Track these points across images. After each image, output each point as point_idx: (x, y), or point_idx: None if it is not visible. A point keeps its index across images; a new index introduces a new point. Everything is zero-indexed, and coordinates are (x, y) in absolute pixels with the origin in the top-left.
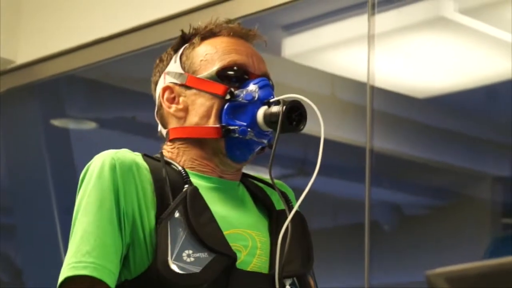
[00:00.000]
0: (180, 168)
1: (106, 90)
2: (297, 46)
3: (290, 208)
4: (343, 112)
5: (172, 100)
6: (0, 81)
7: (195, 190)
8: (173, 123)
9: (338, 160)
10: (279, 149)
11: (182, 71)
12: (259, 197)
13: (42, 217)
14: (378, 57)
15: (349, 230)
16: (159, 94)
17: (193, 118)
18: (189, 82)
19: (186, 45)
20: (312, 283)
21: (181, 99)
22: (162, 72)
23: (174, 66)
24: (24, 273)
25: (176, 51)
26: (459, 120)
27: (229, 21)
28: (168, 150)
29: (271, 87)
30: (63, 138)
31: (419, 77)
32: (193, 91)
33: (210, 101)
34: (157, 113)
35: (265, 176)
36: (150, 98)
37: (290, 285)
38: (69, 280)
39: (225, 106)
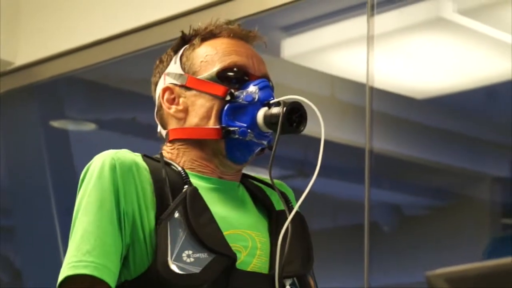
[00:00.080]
0: (179, 168)
1: (105, 91)
2: (296, 47)
3: (290, 208)
4: (343, 113)
5: (172, 101)
6: None
7: (194, 191)
8: (173, 124)
9: (337, 161)
10: (279, 150)
11: (182, 72)
12: (259, 198)
13: (41, 218)
14: (377, 58)
15: (349, 231)
16: (159, 95)
17: (193, 119)
18: (189, 83)
19: (186, 46)
20: (312, 283)
21: (181, 100)
22: (162, 73)
23: (174, 67)
24: (23, 274)
25: (176, 52)
26: (458, 121)
27: (229, 22)
28: (167, 151)
29: (271, 88)
30: (62, 139)
31: (418, 78)
32: (193, 92)
33: (210, 102)
34: (156, 114)
35: (265, 176)
36: (150, 99)
37: (290, 285)
38: (69, 279)
39: (225, 107)
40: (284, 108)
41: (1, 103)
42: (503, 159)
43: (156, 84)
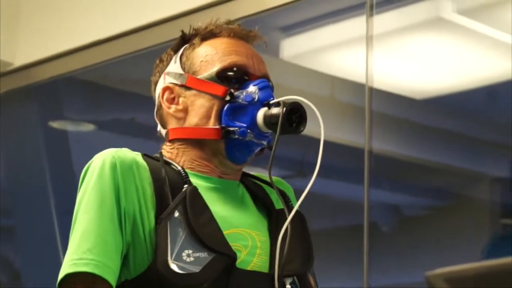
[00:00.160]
0: (179, 168)
1: (104, 92)
2: (296, 48)
3: (289, 207)
4: (342, 113)
5: (171, 101)
6: None
7: (194, 190)
8: (172, 124)
9: (337, 161)
10: (278, 150)
11: (182, 72)
12: (259, 196)
13: (40, 219)
14: (377, 58)
15: (348, 231)
16: (159, 94)
17: (192, 119)
18: (189, 82)
19: (186, 45)
20: (312, 282)
21: (180, 99)
22: (162, 72)
23: (174, 66)
24: (23, 275)
25: (176, 51)
26: (457, 121)
27: (229, 22)
28: (167, 150)
29: (271, 88)
30: (61, 140)
31: (418, 78)
32: (193, 91)
33: (210, 102)
34: (156, 113)
35: (265, 174)
36: (149, 100)
37: (290, 284)
38: (69, 276)
39: (225, 107)
40: (284, 109)
41: (1, 103)
42: (502, 159)
43: (156, 84)
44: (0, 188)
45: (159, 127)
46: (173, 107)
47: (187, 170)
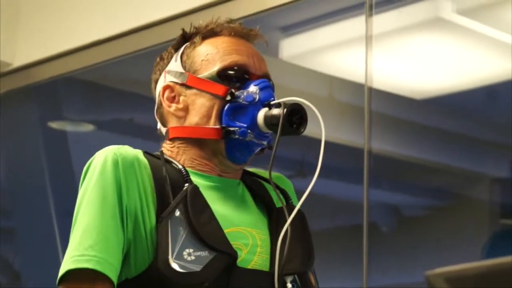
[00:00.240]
0: (180, 166)
1: (103, 92)
2: (295, 48)
3: (289, 206)
4: (341, 113)
5: (172, 99)
6: None
7: (195, 189)
8: (173, 122)
9: (336, 161)
10: (278, 150)
11: (182, 71)
12: (259, 194)
13: (40, 219)
14: (376, 58)
15: (348, 231)
16: (159, 93)
17: (193, 118)
18: (190, 81)
19: (187, 44)
20: (313, 280)
21: (181, 98)
22: (162, 71)
23: (175, 65)
24: (22, 275)
25: (176, 49)
26: (457, 121)
27: (230, 21)
28: (168, 149)
29: (272, 88)
30: (61, 140)
31: (417, 78)
32: (194, 91)
33: (211, 101)
34: (156, 111)
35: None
36: (148, 100)
37: (291, 282)
38: (71, 272)
39: (226, 107)
40: (285, 110)
41: (0, 104)
42: (502, 159)
43: (156, 82)
44: (0, 189)
45: (159, 125)
46: (174, 106)
47: (187, 169)
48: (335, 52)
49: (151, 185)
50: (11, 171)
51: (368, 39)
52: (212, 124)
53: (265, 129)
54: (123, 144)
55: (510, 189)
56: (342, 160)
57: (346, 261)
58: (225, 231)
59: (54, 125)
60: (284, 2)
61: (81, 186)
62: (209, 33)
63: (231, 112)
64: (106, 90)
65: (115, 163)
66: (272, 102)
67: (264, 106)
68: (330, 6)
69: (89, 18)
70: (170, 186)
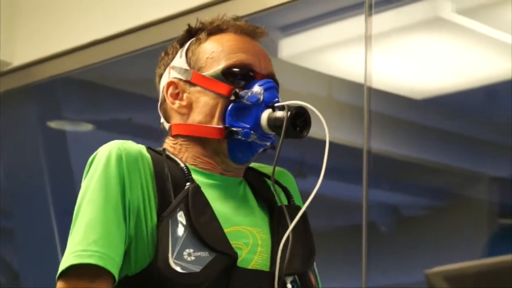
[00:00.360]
0: (182, 165)
1: (102, 91)
2: (294, 47)
3: (290, 205)
4: (341, 113)
5: (176, 96)
6: None
7: (196, 188)
8: (176, 119)
9: (335, 161)
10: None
11: (187, 67)
12: (261, 192)
13: (39, 219)
14: (376, 58)
15: (347, 231)
16: (163, 88)
17: (196, 116)
18: (194, 79)
19: (193, 40)
20: (313, 279)
21: (185, 95)
22: (167, 66)
23: (180, 61)
24: (22, 275)
25: (182, 45)
26: (456, 121)
27: (236, 18)
28: (170, 145)
29: (276, 89)
30: (59, 140)
31: (417, 78)
32: (198, 88)
33: (214, 100)
34: (160, 107)
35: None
36: (147, 100)
37: (291, 282)
38: (73, 267)
39: (229, 107)
40: (289, 113)
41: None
42: (501, 159)
43: (160, 76)
44: (0, 189)
45: (162, 120)
46: (177, 102)
47: (189, 166)
48: (334, 51)
49: (152, 181)
50: (11, 171)
51: (368, 38)
52: (215, 123)
53: (268, 131)
54: None
55: (509, 189)
56: (342, 160)
57: (346, 261)
58: (226, 230)
59: (53, 124)
60: (284, 2)
61: (83, 180)
62: (214, 29)
63: (234, 112)
64: (105, 90)
65: (119, 158)
66: (276, 104)
67: (268, 107)
68: (330, 6)
69: (88, 18)
70: (171, 184)
